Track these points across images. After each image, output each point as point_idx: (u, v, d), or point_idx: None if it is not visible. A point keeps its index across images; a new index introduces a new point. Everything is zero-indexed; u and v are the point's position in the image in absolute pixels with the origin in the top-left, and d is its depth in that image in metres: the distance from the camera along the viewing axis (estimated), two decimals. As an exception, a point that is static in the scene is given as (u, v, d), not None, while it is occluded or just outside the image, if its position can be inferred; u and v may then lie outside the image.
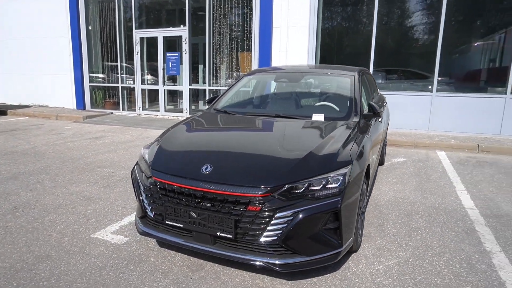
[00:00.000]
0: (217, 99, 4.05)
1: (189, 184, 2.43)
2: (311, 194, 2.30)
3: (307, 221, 2.26)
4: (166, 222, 2.54)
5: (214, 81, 9.68)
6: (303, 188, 2.31)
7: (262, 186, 2.30)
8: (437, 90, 7.69)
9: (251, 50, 8.99)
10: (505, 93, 7.25)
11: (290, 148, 2.70)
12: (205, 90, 9.63)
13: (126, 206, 3.86)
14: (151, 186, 2.62)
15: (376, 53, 7.99)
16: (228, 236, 2.34)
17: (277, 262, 2.30)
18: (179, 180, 2.48)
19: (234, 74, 9.42)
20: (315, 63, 8.41)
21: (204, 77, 9.83)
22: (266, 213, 2.26)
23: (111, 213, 3.66)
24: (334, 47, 8.70)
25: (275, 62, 8.66)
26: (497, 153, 6.44)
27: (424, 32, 7.92)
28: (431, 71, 7.73)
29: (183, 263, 2.76)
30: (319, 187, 2.33)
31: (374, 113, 3.41)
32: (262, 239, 2.29)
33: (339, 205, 2.31)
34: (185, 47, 9.46)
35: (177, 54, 9.58)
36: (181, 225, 2.49)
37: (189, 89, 9.74)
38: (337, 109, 3.52)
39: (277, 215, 2.25)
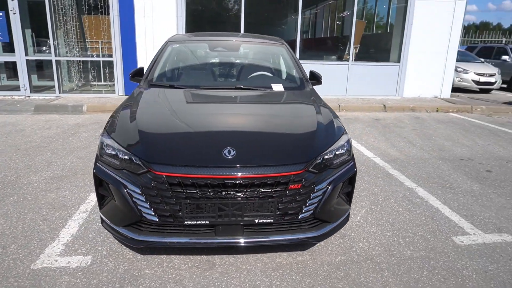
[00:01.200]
0: (147, 72, 3.43)
1: (215, 173, 2.09)
2: (330, 163, 2.37)
3: (335, 189, 2.33)
4: (186, 222, 2.12)
5: (67, 50, 7.92)
6: (328, 158, 2.35)
7: (300, 162, 2.21)
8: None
9: (108, 14, 7.72)
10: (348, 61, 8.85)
11: (294, 121, 2.65)
12: (51, 61, 7.76)
13: (46, 219, 2.94)
14: (153, 184, 2.10)
15: (246, 22, 8.24)
16: (269, 220, 2.18)
17: (313, 235, 2.30)
18: (199, 171, 2.09)
19: (89, 42, 7.94)
20: (185, 31, 7.99)
21: (50, 46, 7.89)
22: (306, 189, 2.20)
23: (31, 233, 2.73)
24: (204, 12, 8.45)
25: (140, 29, 7.76)
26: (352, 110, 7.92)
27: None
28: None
29: (188, 264, 2.40)
30: (332, 156, 2.41)
31: (318, 80, 3.63)
32: (300, 216, 2.24)
33: (355, 169, 2.47)
34: (13, 4, 7.26)
35: (0, 14, 7.26)
36: (207, 222, 2.14)
37: (27, 60, 7.65)
38: (288, 78, 3.57)
39: (316, 188, 2.23)
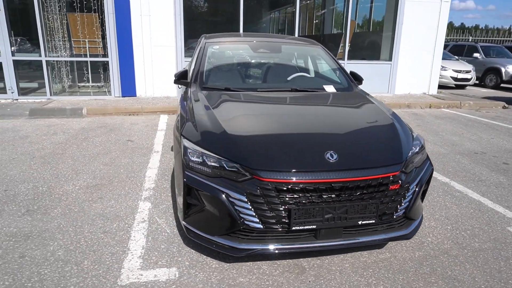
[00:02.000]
0: (194, 75, 3.32)
1: (322, 177, 2.08)
2: (414, 161, 2.43)
3: (423, 186, 2.41)
4: (294, 228, 2.10)
5: (57, 50, 7.47)
6: (413, 157, 2.41)
7: (396, 163, 2.26)
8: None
9: (102, 12, 7.37)
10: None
11: (374, 123, 2.69)
12: (41, 62, 7.28)
13: (106, 231, 2.78)
14: (259, 191, 2.06)
15: (244, 20, 8.18)
16: (371, 221, 2.20)
17: (405, 232, 2.36)
18: (307, 176, 2.08)
19: (84, 41, 7.53)
20: (183, 30, 7.80)
21: (39, 45, 7.40)
22: (403, 189, 2.25)
23: (98, 247, 2.59)
24: (202, 11, 8.28)
25: (137, 28, 7.48)
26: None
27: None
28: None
29: (278, 270, 2.38)
30: (415, 154, 2.48)
31: (360, 81, 3.69)
32: (395, 215, 2.29)
33: (432, 166, 2.56)
34: (-3, 1, 6.74)
35: (-16, 11, 6.71)
36: (314, 226, 2.12)
37: (14, 61, 7.13)
38: (336, 79, 3.59)
39: (410, 187, 2.28)
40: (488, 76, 13.34)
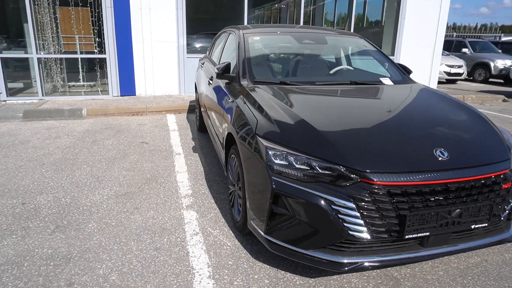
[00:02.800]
0: (240, 68, 2.99)
1: (437, 177, 1.83)
2: None
3: None
4: (407, 236, 1.82)
5: (50, 46, 6.88)
6: None
7: (505, 159, 2.04)
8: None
9: (98, 6, 6.84)
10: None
11: (463, 117, 2.45)
12: (29, 60, 6.66)
13: (158, 248, 2.42)
14: (370, 196, 1.78)
15: (249, 9, 7.84)
16: (484, 224, 1.96)
17: (510, 234, 2.14)
18: (421, 176, 1.82)
19: (77, 37, 6.98)
20: (186, 24, 7.37)
21: (30, 41, 6.78)
22: None
23: (158, 267, 2.23)
24: (204, 4, 7.87)
25: (136, 23, 7.00)
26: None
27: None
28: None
29: (371, 283, 2.10)
30: None
31: (409, 73, 3.47)
32: (502, 216, 2.06)
33: None
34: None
35: (-33, 4, 6.05)
36: (427, 233, 1.86)
37: (1, 58, 6.49)
38: (390, 71, 3.33)
39: None
40: (477, 71, 13.57)
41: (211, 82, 3.75)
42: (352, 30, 8.85)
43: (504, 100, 8.95)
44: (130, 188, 3.37)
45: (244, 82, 2.84)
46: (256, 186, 2.11)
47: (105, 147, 4.55)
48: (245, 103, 2.55)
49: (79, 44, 7.43)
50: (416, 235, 1.85)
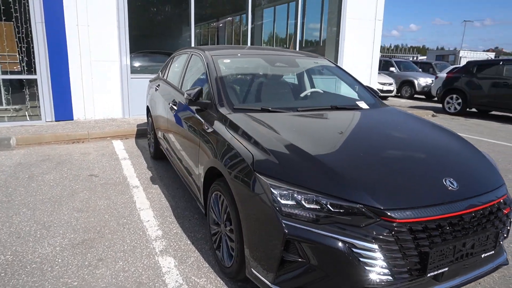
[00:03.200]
0: (214, 95, 2.74)
1: (453, 209, 1.77)
2: None
3: None
4: (429, 274, 1.72)
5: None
6: None
7: (502, 184, 2.07)
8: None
9: (26, 21, 6.08)
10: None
11: (450, 142, 2.47)
12: None
13: (139, 309, 2.03)
14: (391, 235, 1.65)
15: (196, 33, 7.60)
16: (491, 252, 1.95)
17: (504, 258, 2.17)
18: (438, 210, 1.74)
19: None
20: (128, 42, 6.89)
21: None
22: (510, 212, 2.06)
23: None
24: (148, 21, 7.44)
25: (73, 40, 6.35)
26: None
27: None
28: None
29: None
30: None
31: (377, 95, 3.51)
32: (501, 241, 2.08)
33: None
34: None
35: None
36: (446, 269, 1.78)
37: None
38: (363, 94, 3.32)
39: None
40: (404, 88, 14.86)
41: (174, 107, 3.43)
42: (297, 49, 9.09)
43: (433, 115, 9.82)
44: (87, 233, 2.88)
45: (224, 110, 2.60)
46: (259, 231, 1.88)
47: (46, 183, 3.92)
48: (230, 133, 2.32)
49: (2, 63, 6.52)
50: (437, 272, 1.77)
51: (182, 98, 3.33)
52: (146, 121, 6.74)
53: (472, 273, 1.99)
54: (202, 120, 2.70)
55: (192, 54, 3.66)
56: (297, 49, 9.08)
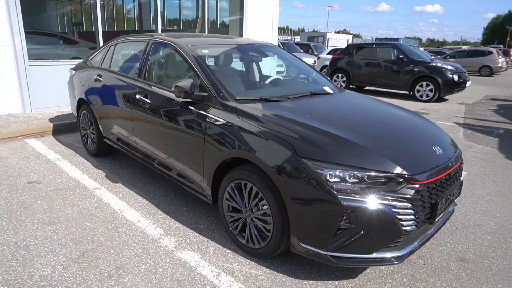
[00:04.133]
0: (211, 88, 2.75)
1: (448, 168, 2.39)
2: None
3: None
4: (436, 219, 2.29)
5: None
6: None
7: (458, 148, 2.76)
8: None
9: None
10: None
11: (415, 118, 3.08)
12: None
13: (197, 303, 2.08)
14: (417, 195, 2.15)
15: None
16: (458, 197, 2.65)
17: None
18: (440, 170, 2.31)
19: None
20: (22, 23, 5.80)
21: None
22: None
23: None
24: None
25: None
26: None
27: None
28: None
29: (414, 266, 2.50)
30: None
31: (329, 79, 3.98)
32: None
33: None
34: None
35: None
36: (442, 214, 2.37)
37: None
38: (323, 80, 3.71)
39: None
40: (291, 67, 16.28)
41: (146, 100, 3.25)
42: (206, 32, 9.06)
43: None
44: (81, 245, 2.62)
45: (229, 102, 2.67)
46: (310, 209, 2.13)
47: (-22, 199, 3.25)
48: (251, 124, 2.44)
49: None
50: (439, 217, 2.35)
51: (159, 90, 3.19)
52: (57, 115, 6.00)
53: (447, 215, 2.67)
54: (205, 113, 2.71)
55: (153, 43, 3.47)
56: (206, 31, 9.05)
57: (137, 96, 3.37)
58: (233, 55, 3.49)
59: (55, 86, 6.26)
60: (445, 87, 9.46)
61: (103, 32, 6.85)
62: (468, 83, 9.91)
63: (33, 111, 6.12)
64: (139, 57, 3.60)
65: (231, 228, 2.68)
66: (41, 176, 3.83)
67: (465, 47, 32.39)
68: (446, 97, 10.38)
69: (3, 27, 5.62)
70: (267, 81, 3.38)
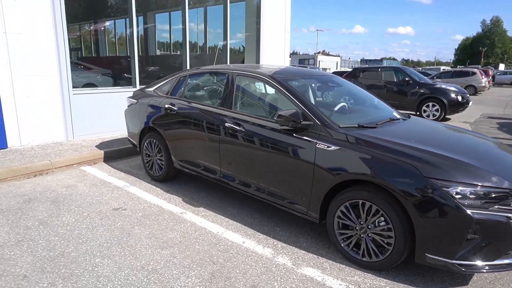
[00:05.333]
0: (314, 115, 3.05)
1: None
2: None
3: None
4: None
5: None
6: None
7: None
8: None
9: None
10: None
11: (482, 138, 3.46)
12: None
13: None
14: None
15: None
16: None
17: None
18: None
19: None
20: (69, 54, 5.96)
21: None
22: None
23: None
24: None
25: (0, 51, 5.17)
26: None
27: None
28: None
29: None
30: None
31: None
32: None
33: None
34: None
35: None
36: None
37: None
38: (383, 106, 4.06)
39: None
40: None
41: (237, 127, 3.49)
42: (228, 57, 9.40)
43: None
44: (205, 266, 2.78)
45: (336, 129, 2.94)
46: (438, 223, 2.38)
47: (72, 228, 3.35)
48: (369, 149, 2.71)
49: None
50: None
51: (254, 119, 3.45)
52: (100, 141, 6.14)
53: None
54: (315, 140, 2.97)
55: (236, 75, 3.74)
56: (228, 57, 9.40)
57: (226, 125, 3.60)
58: (313, 85, 3.80)
59: (94, 113, 6.39)
60: (450, 107, 10.08)
61: (103, 57, 7.06)
62: (470, 103, 10.61)
63: (75, 139, 6.20)
64: (221, 88, 3.86)
65: (342, 245, 2.91)
66: (121, 202, 3.95)
67: (446, 68, 34.31)
68: (448, 116, 11.04)
69: (51, 58, 5.77)
70: (346, 108, 3.70)
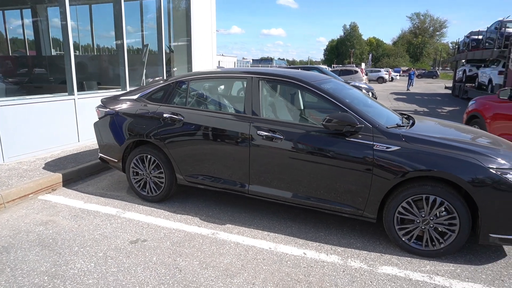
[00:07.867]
0: (366, 119, 3.10)
1: None
2: None
3: None
4: None
5: None
6: None
7: None
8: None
9: None
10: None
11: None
12: None
13: None
14: None
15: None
16: None
17: None
18: None
19: None
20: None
21: None
22: None
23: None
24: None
25: None
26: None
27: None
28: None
29: None
30: None
31: None
32: None
33: None
34: None
35: None
36: None
37: None
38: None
39: None
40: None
41: (275, 135, 3.31)
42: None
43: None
44: (295, 287, 2.58)
45: (388, 130, 3.06)
46: (503, 205, 2.71)
47: (94, 272, 2.70)
48: (429, 147, 2.91)
49: None
50: None
51: (296, 126, 3.35)
52: (42, 162, 5.18)
53: None
54: (371, 142, 3.03)
55: (259, 80, 3.52)
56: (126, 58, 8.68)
57: (259, 133, 3.38)
58: (337, 88, 3.83)
59: (27, 128, 5.18)
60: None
61: None
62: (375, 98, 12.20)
63: (8, 161, 4.92)
64: (240, 94, 3.59)
65: (403, 239, 3.06)
66: (133, 233, 3.33)
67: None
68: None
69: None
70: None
